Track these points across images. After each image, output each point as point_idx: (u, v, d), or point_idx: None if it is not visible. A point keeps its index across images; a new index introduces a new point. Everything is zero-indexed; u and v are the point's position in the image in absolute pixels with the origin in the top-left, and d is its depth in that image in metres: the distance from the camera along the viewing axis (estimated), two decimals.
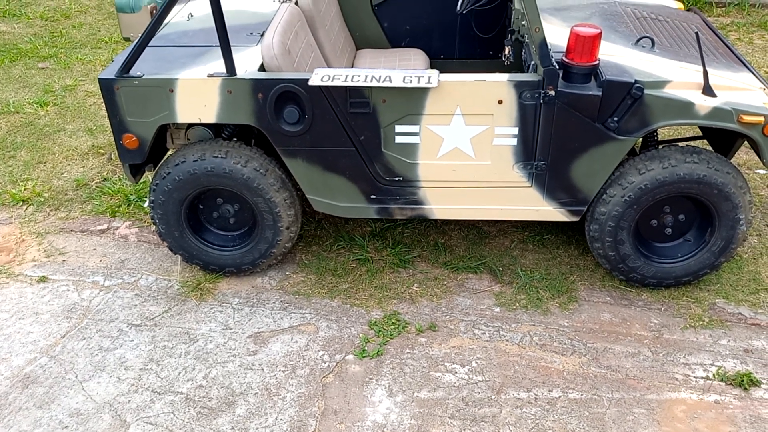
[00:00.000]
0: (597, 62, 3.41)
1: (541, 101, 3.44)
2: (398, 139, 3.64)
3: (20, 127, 5.77)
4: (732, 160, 4.44)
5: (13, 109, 6.00)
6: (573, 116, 3.46)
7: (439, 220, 4.55)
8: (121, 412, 3.34)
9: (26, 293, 4.08)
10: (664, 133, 5.38)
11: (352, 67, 4.83)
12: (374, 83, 3.42)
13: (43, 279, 4.18)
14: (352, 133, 3.62)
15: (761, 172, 4.98)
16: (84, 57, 7.04)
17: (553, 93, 3.41)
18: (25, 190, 4.97)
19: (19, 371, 3.57)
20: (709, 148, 4.30)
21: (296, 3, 4.26)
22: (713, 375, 3.45)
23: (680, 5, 4.60)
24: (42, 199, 4.88)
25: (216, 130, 3.94)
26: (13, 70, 6.77)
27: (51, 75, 6.68)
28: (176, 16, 4.28)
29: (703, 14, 4.56)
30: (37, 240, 4.51)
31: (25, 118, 5.90)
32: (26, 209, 4.80)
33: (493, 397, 3.38)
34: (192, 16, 4.26)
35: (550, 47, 3.45)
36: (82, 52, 7.16)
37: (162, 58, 3.74)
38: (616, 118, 3.45)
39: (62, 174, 5.17)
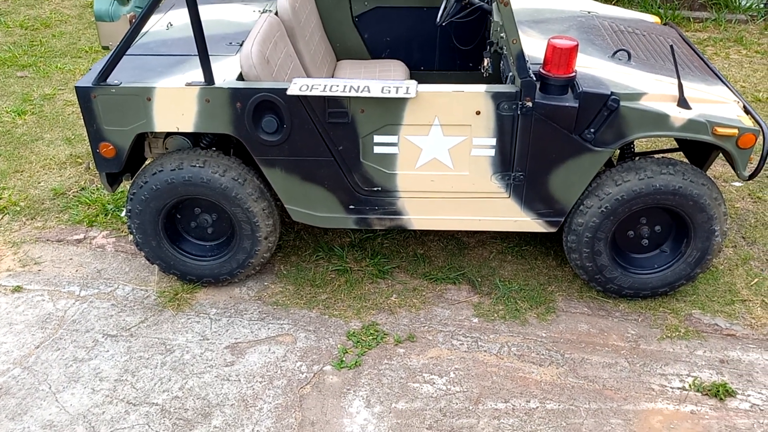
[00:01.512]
0: (574, 74, 3.44)
1: (519, 112, 3.46)
2: (377, 150, 3.64)
3: None
4: (708, 173, 4.49)
5: None
6: (550, 127, 3.48)
7: (418, 230, 4.55)
8: (95, 424, 3.30)
9: (0, 303, 4.02)
10: (640, 146, 5.43)
11: (332, 77, 4.84)
12: (353, 93, 3.42)
13: (17, 289, 4.13)
14: (330, 143, 3.62)
15: (736, 184, 5.03)
16: (63, 66, 6.99)
17: (530, 104, 3.43)
18: (1, 199, 4.91)
19: None
20: (686, 160, 4.35)
21: (276, 13, 4.27)
22: (689, 385, 3.47)
23: (657, 20, 4.65)
24: (18, 208, 4.83)
25: (194, 139, 3.92)
26: None
27: (30, 84, 6.63)
28: (155, 25, 4.27)
29: (680, 29, 4.62)
30: (13, 249, 4.46)
31: (2, 127, 5.84)
32: (2, 218, 4.75)
33: (470, 407, 3.37)
34: (171, 25, 4.25)
35: (527, 59, 3.47)
36: (62, 61, 7.12)
37: (140, 67, 3.73)
38: (592, 130, 3.48)
39: (39, 183, 5.13)
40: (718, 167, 5.20)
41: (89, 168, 5.26)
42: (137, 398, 3.43)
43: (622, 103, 3.42)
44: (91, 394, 3.46)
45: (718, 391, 3.42)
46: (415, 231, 4.56)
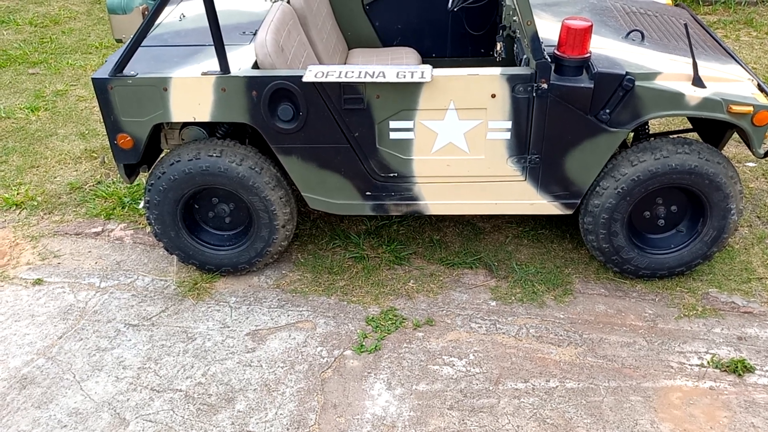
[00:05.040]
0: (588, 55, 3.45)
1: (534, 94, 3.48)
2: (393, 135, 3.66)
3: (12, 132, 5.76)
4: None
5: (4, 115, 5.99)
6: (565, 109, 3.49)
7: (434, 216, 4.57)
8: (120, 411, 3.34)
9: (22, 296, 4.07)
10: (653, 128, 5.43)
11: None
12: (368, 79, 3.44)
13: (38, 281, 4.17)
14: (346, 129, 3.64)
15: (750, 165, 5.04)
16: (74, 62, 7.03)
17: (545, 86, 3.44)
18: (18, 194, 4.96)
19: (16, 372, 3.56)
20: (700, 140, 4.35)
21: (288, 2, 4.28)
22: (708, 362, 3.49)
23: (668, 1, 4.65)
24: (35, 203, 4.88)
25: (210, 129, 3.95)
26: (3, 76, 6.76)
27: (41, 80, 6.67)
28: (168, 16, 4.30)
29: (691, 10, 4.62)
30: (32, 243, 4.50)
31: (16, 124, 5.89)
32: (20, 213, 4.79)
33: (491, 388, 3.40)
34: (184, 16, 4.27)
35: (541, 41, 3.48)
36: (73, 58, 7.16)
37: (155, 58, 3.76)
38: (608, 110, 3.48)
39: (55, 178, 5.17)
40: (732, 148, 5.20)
41: (104, 162, 5.30)
42: (161, 385, 3.47)
43: (637, 83, 3.42)
44: (115, 382, 3.50)
45: (737, 367, 3.43)
46: (430, 217, 4.59)
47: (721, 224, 3.77)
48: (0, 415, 3.32)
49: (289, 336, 3.73)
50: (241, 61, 3.69)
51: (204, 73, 3.56)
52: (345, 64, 4.88)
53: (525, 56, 3.60)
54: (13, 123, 5.90)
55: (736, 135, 4.06)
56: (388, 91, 3.52)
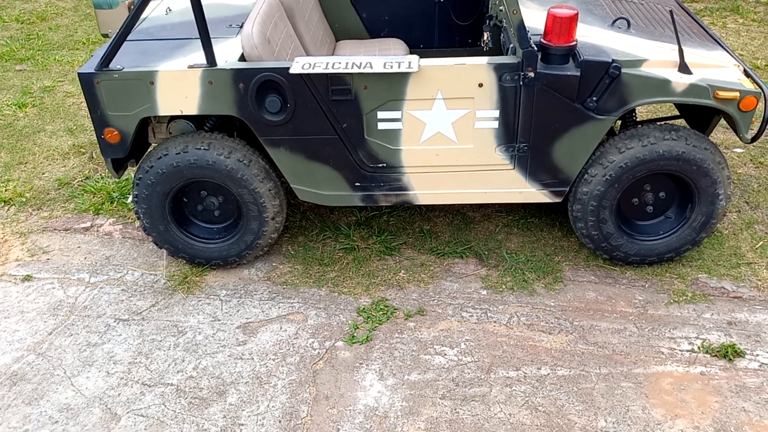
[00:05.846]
0: (575, 43, 3.45)
1: (521, 83, 3.48)
2: (381, 126, 3.65)
3: None
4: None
5: None
6: (553, 97, 3.50)
7: (424, 206, 4.58)
8: (112, 406, 3.33)
9: (11, 292, 4.05)
10: (640, 115, 5.44)
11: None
12: (355, 70, 3.43)
13: (27, 278, 4.15)
14: (334, 120, 3.63)
15: (738, 150, 5.06)
16: (62, 58, 6.99)
17: (532, 75, 3.44)
18: (6, 190, 4.93)
19: (6, 369, 3.54)
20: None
21: None
22: (698, 348, 3.51)
23: None
24: (24, 199, 4.85)
25: (198, 122, 3.93)
26: None
27: (29, 77, 6.63)
28: (154, 10, 4.28)
29: None
30: (20, 239, 4.48)
31: (3, 120, 5.85)
32: (8, 210, 4.77)
33: (482, 376, 3.41)
34: (170, 10, 4.25)
35: (528, 30, 3.48)
36: (60, 54, 7.12)
37: (142, 52, 3.74)
38: (595, 98, 3.49)
39: (43, 174, 5.14)
40: (719, 134, 5.21)
41: (93, 157, 5.28)
42: (152, 379, 3.47)
43: (623, 71, 3.43)
44: (106, 377, 3.49)
45: (727, 352, 3.45)
46: (420, 207, 4.59)
47: (709, 210, 3.78)
48: None
49: (281, 328, 3.73)
50: (228, 53, 3.68)
51: (190, 66, 3.54)
52: (332, 55, 4.87)
53: (511, 45, 3.60)
54: (0, 120, 5.86)
55: (723, 121, 4.06)
56: (376, 81, 3.52)
